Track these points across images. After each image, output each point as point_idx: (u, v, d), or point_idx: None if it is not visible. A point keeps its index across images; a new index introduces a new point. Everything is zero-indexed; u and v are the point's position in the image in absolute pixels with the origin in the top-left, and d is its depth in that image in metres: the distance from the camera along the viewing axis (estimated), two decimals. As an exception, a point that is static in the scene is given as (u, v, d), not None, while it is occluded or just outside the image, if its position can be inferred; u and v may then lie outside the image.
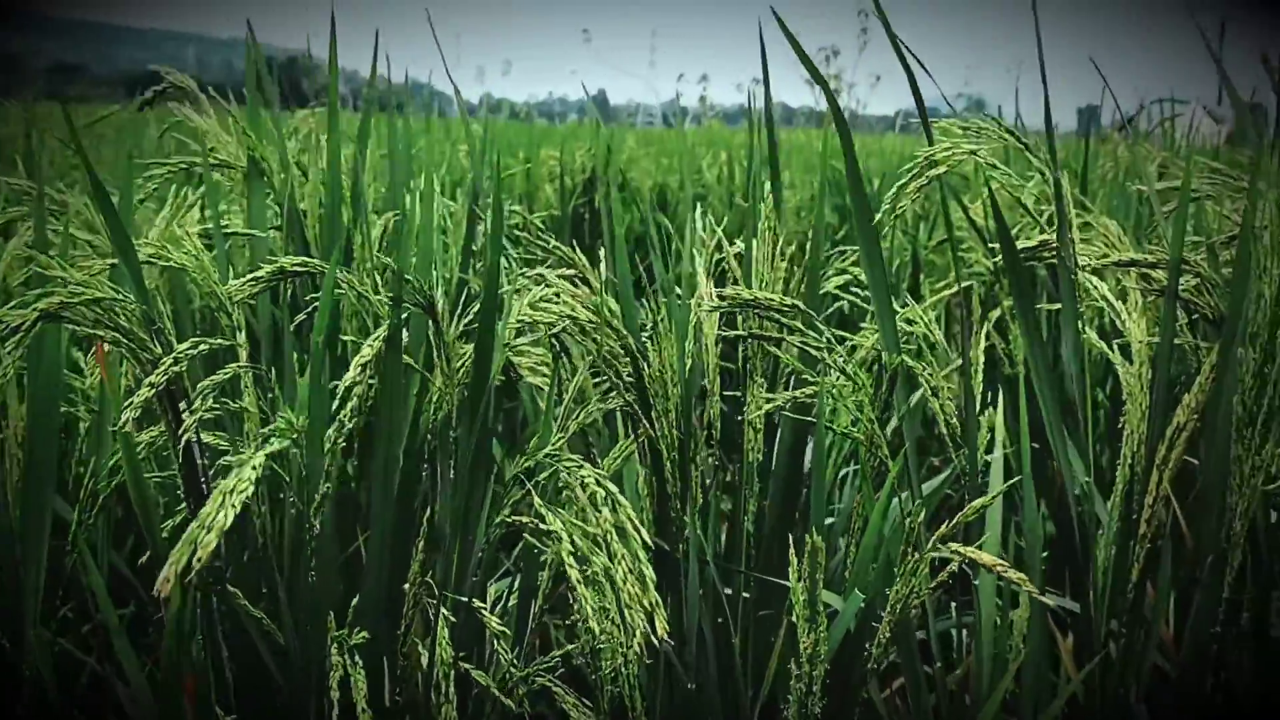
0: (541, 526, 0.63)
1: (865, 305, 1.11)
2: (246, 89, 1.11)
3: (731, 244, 0.93)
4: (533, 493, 0.66)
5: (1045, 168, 0.78)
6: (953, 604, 1.01)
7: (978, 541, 0.80)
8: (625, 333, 0.74)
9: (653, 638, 0.59)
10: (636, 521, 0.61)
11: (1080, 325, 0.81)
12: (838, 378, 0.77)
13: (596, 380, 0.80)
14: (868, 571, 0.73)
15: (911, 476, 0.79)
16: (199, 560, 0.56)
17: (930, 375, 0.85)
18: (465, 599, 0.69)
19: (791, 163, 3.23)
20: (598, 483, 0.63)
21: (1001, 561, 0.66)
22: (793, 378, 0.84)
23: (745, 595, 0.84)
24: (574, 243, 1.03)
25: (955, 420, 0.84)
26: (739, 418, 0.84)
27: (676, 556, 0.78)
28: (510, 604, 0.82)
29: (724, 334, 0.78)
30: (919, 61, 0.80)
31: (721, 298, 0.76)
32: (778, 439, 0.86)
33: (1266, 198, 0.72)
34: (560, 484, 0.68)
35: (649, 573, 0.60)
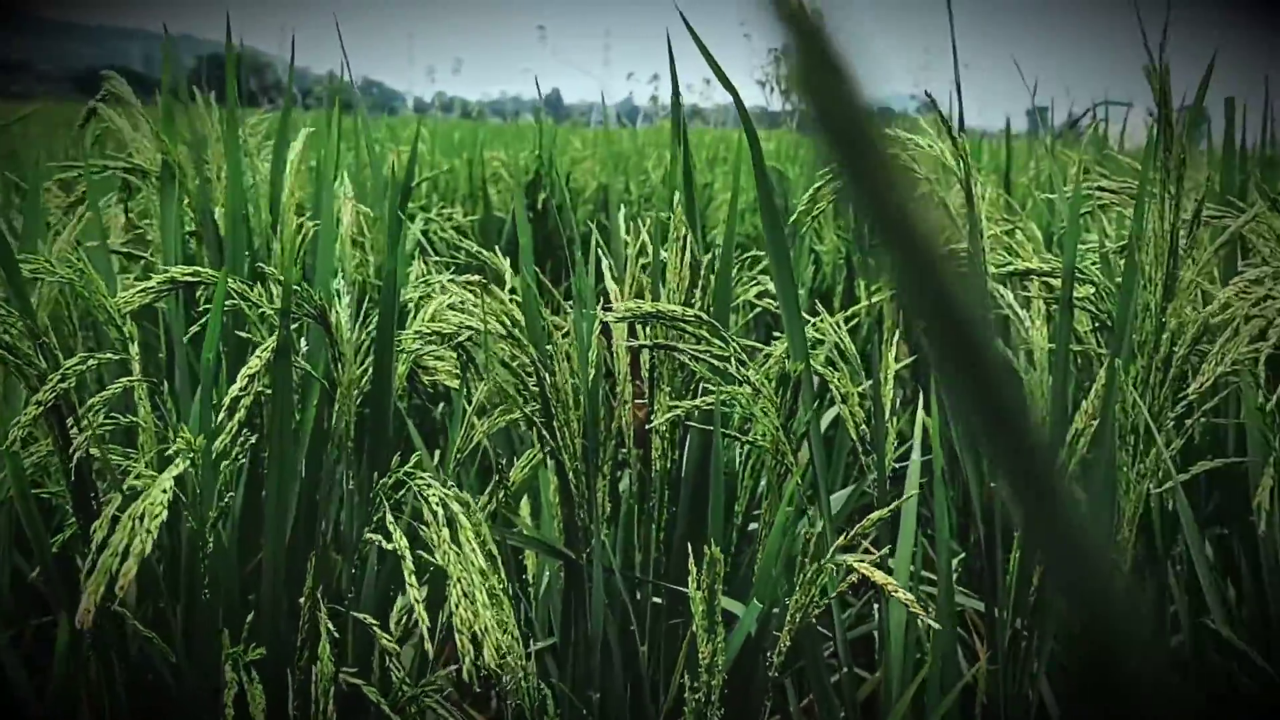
0: (385, 545, 0.62)
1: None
2: (161, 91, 1.09)
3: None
4: (386, 509, 0.65)
5: (957, 173, 0.79)
6: (875, 606, 1.02)
7: (893, 546, 0.81)
8: (526, 342, 0.74)
9: (487, 663, 0.59)
10: (475, 544, 0.61)
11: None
12: (742, 386, 0.77)
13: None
14: (770, 580, 0.74)
15: (819, 485, 0.79)
16: (120, 589, 0.55)
17: (840, 382, 0.86)
18: (347, 611, 0.69)
19: (743, 164, 3.25)
20: (442, 502, 0.63)
21: (891, 581, 0.67)
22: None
23: (657, 601, 0.85)
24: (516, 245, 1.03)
25: (865, 427, 0.85)
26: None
27: (581, 565, 0.78)
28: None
29: (629, 344, 0.78)
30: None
31: (627, 308, 0.76)
32: (687, 447, 0.86)
33: (1151, 206, 0.73)
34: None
35: (481, 597, 0.60)
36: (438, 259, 1.44)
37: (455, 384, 0.86)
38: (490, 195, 2.56)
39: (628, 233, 0.97)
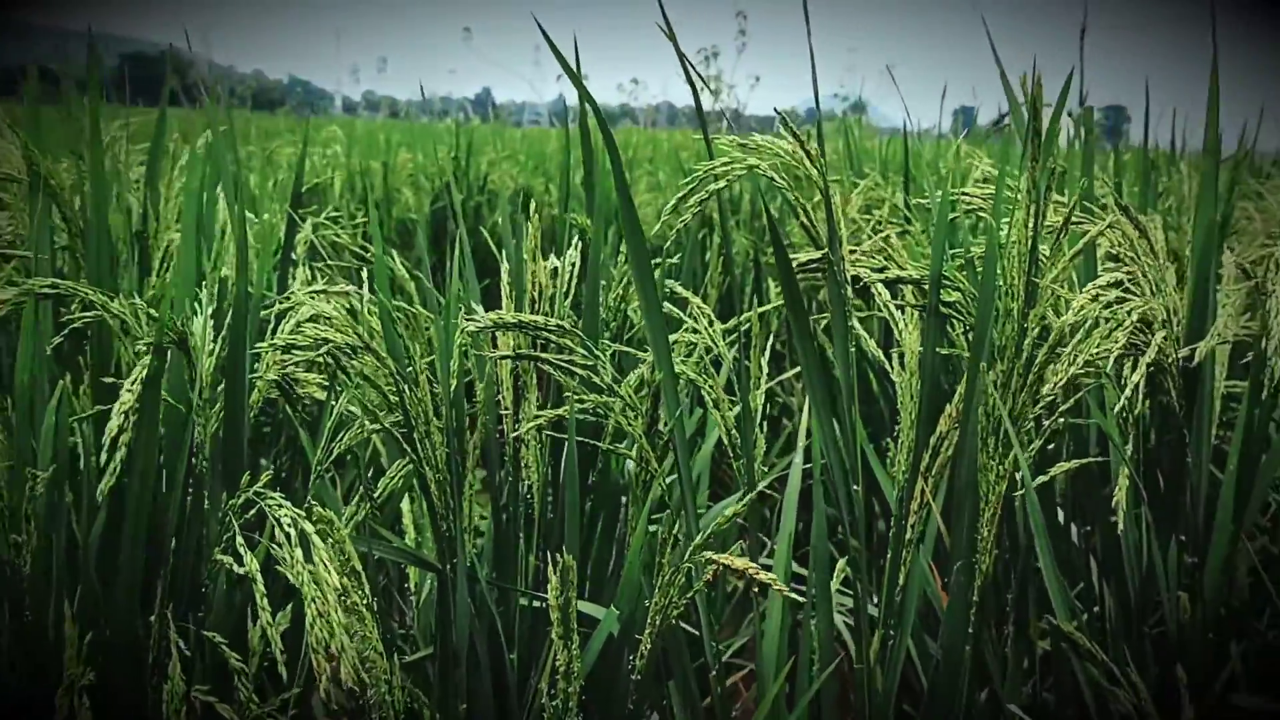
0: (236, 570, 0.61)
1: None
2: (26, 94, 1.06)
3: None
4: (236, 530, 0.64)
5: (819, 181, 0.79)
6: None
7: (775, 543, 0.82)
8: (384, 354, 0.73)
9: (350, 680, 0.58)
10: (329, 562, 0.60)
11: (853, 336, 0.82)
12: (607, 395, 0.77)
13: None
14: (632, 584, 0.74)
15: (684, 489, 0.79)
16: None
17: (711, 389, 0.86)
18: (195, 629, 0.67)
19: (670, 163, 3.25)
20: (293, 523, 0.62)
21: (754, 565, 0.67)
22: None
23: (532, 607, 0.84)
24: (433, 247, 1.01)
25: (734, 432, 0.86)
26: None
27: (447, 575, 0.77)
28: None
29: (492, 355, 0.77)
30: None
31: (490, 318, 0.75)
32: (564, 455, 0.86)
33: (1014, 213, 0.74)
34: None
35: (338, 617, 0.59)
36: (328, 265, 1.42)
37: (324, 397, 0.85)
38: (407, 196, 2.53)
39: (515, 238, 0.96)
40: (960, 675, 0.78)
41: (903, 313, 0.91)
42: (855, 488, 0.81)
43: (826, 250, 0.80)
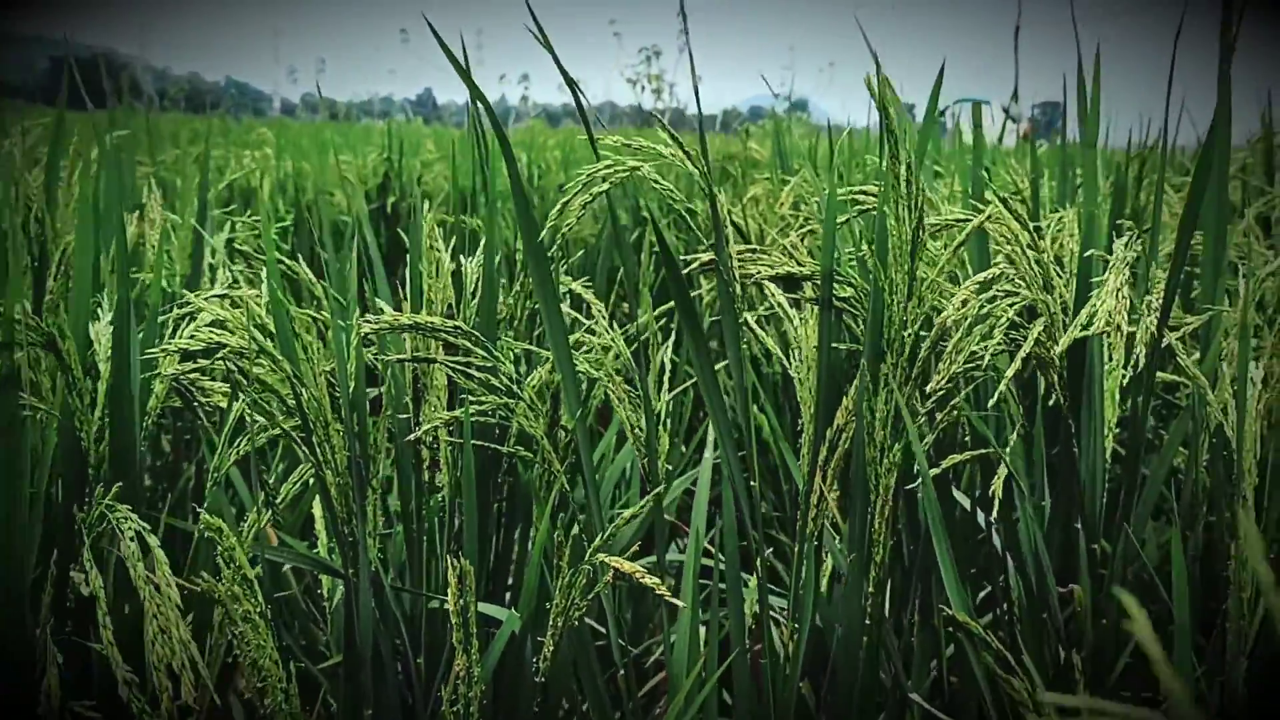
0: (83, 588, 0.61)
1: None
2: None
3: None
4: (85, 545, 0.63)
5: (702, 181, 0.80)
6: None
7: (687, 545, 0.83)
8: (280, 357, 0.73)
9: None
10: (170, 577, 0.60)
11: (743, 334, 0.84)
12: (506, 396, 0.77)
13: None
14: (532, 587, 0.74)
15: (588, 489, 0.80)
16: None
17: (616, 385, 0.87)
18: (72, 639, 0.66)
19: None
20: (138, 535, 0.61)
21: (640, 568, 0.68)
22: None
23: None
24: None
25: (640, 429, 0.86)
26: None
27: (353, 581, 0.77)
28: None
29: (384, 359, 0.77)
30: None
31: (385, 320, 0.75)
32: (462, 457, 0.86)
33: (894, 210, 0.76)
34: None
35: (180, 633, 0.59)
36: (250, 269, 1.40)
37: (226, 403, 0.84)
38: (340, 199, 2.51)
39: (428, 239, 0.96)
40: (858, 662, 0.79)
41: (800, 309, 0.92)
42: (752, 483, 0.83)
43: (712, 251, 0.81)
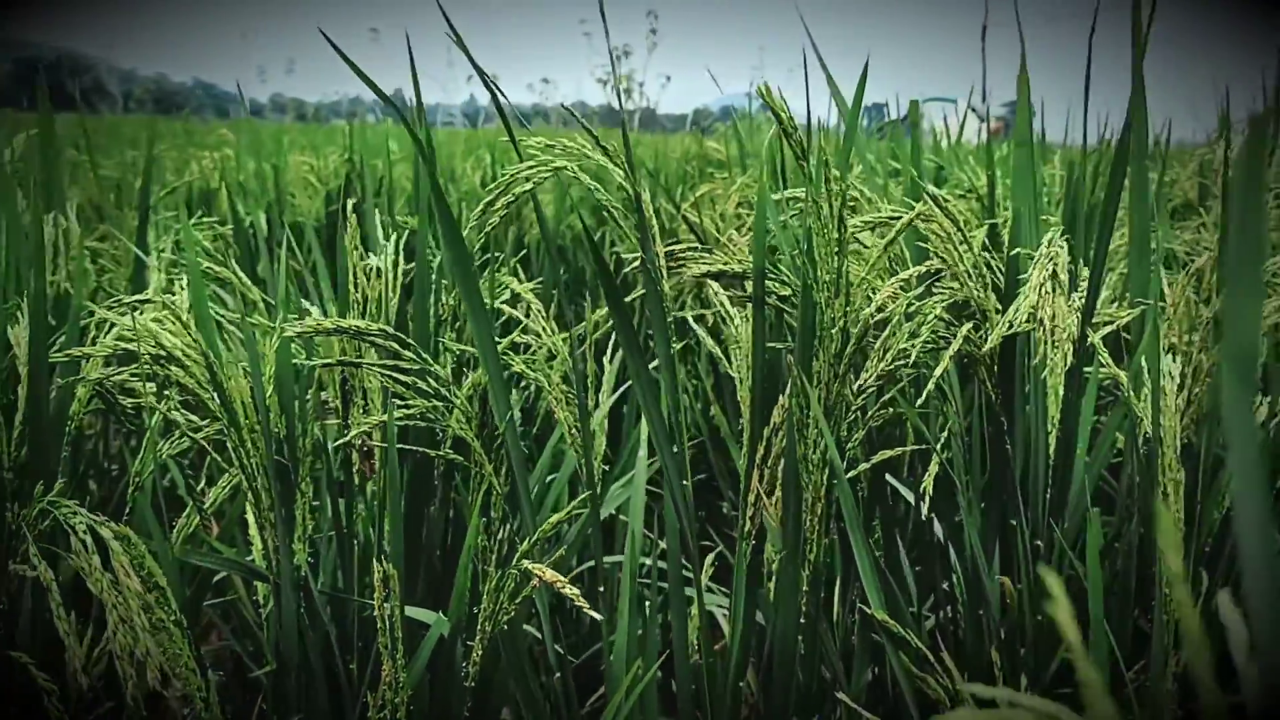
0: (28, 575, 0.60)
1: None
2: None
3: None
4: (30, 541, 0.62)
5: (626, 183, 0.80)
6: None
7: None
8: (196, 361, 0.72)
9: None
10: (130, 569, 0.59)
11: (673, 335, 0.83)
12: (435, 399, 0.77)
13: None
14: (461, 591, 0.74)
15: (521, 491, 0.79)
16: None
17: (556, 389, 0.86)
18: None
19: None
20: (90, 530, 0.60)
21: (561, 578, 0.67)
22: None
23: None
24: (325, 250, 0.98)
25: (576, 430, 0.86)
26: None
27: (278, 586, 0.76)
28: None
29: (309, 364, 0.77)
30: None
31: (309, 324, 0.74)
32: (387, 461, 0.85)
33: (821, 208, 0.75)
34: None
35: (141, 620, 0.58)
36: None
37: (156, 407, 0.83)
38: (302, 200, 2.49)
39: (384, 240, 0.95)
40: (793, 661, 0.79)
41: (741, 308, 0.92)
42: (685, 483, 0.82)
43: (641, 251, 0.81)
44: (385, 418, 0.75)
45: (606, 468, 0.92)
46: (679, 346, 1.48)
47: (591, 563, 1.15)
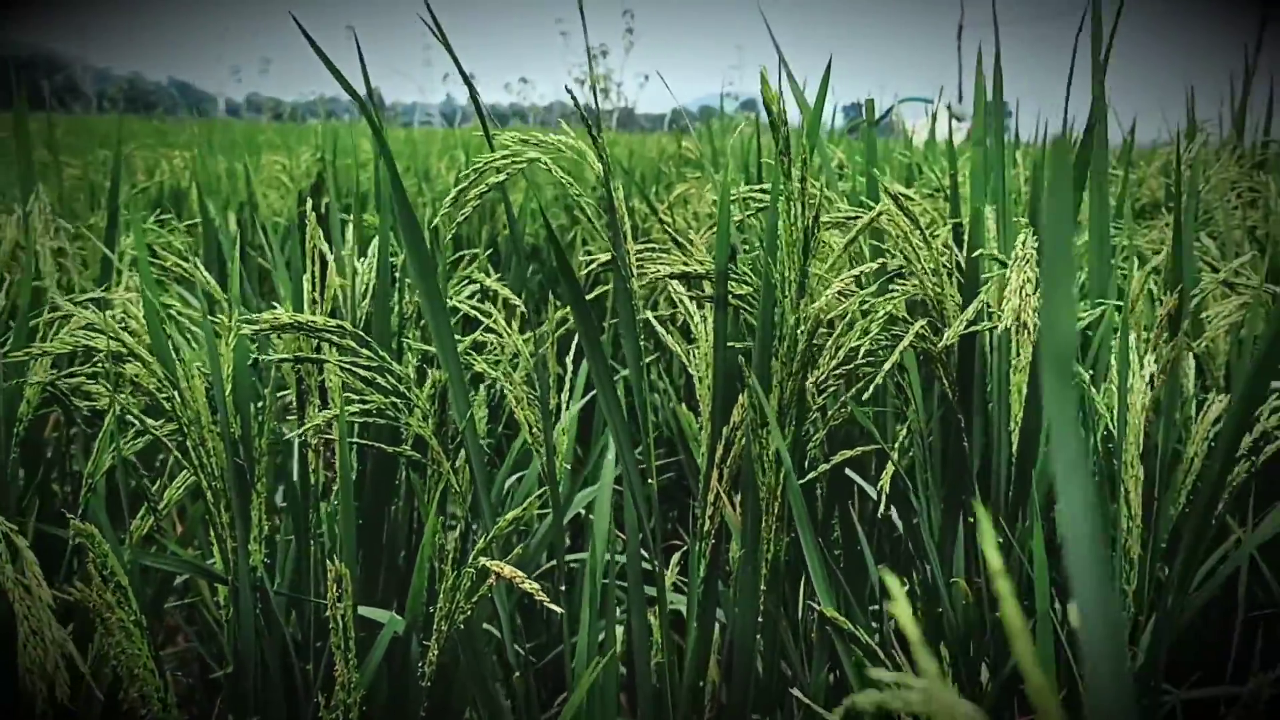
0: None
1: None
2: None
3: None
4: None
5: (599, 182, 0.80)
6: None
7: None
8: (150, 359, 0.71)
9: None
10: (40, 578, 0.58)
11: (640, 334, 0.83)
12: (393, 396, 0.76)
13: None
14: (418, 591, 0.73)
15: (479, 490, 0.79)
16: None
17: (514, 386, 0.86)
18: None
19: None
20: (5, 537, 0.60)
21: (520, 574, 0.67)
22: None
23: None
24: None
25: (538, 429, 0.86)
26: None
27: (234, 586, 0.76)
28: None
29: (265, 359, 0.76)
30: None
31: (264, 320, 0.74)
32: (338, 459, 0.85)
33: (787, 209, 0.76)
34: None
35: (52, 634, 0.57)
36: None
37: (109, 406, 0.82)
38: (272, 200, 2.47)
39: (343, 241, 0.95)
40: (752, 659, 0.79)
41: (700, 307, 0.92)
42: (650, 481, 0.82)
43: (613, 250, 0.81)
44: (333, 413, 0.74)
45: (569, 466, 0.92)
46: (653, 350, 1.48)
47: (581, 556, 1.15)
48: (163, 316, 0.72)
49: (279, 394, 0.84)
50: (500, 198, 1.09)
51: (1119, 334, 0.71)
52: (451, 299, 1.08)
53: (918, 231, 0.80)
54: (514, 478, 1.15)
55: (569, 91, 0.79)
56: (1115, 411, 0.72)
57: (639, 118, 5.38)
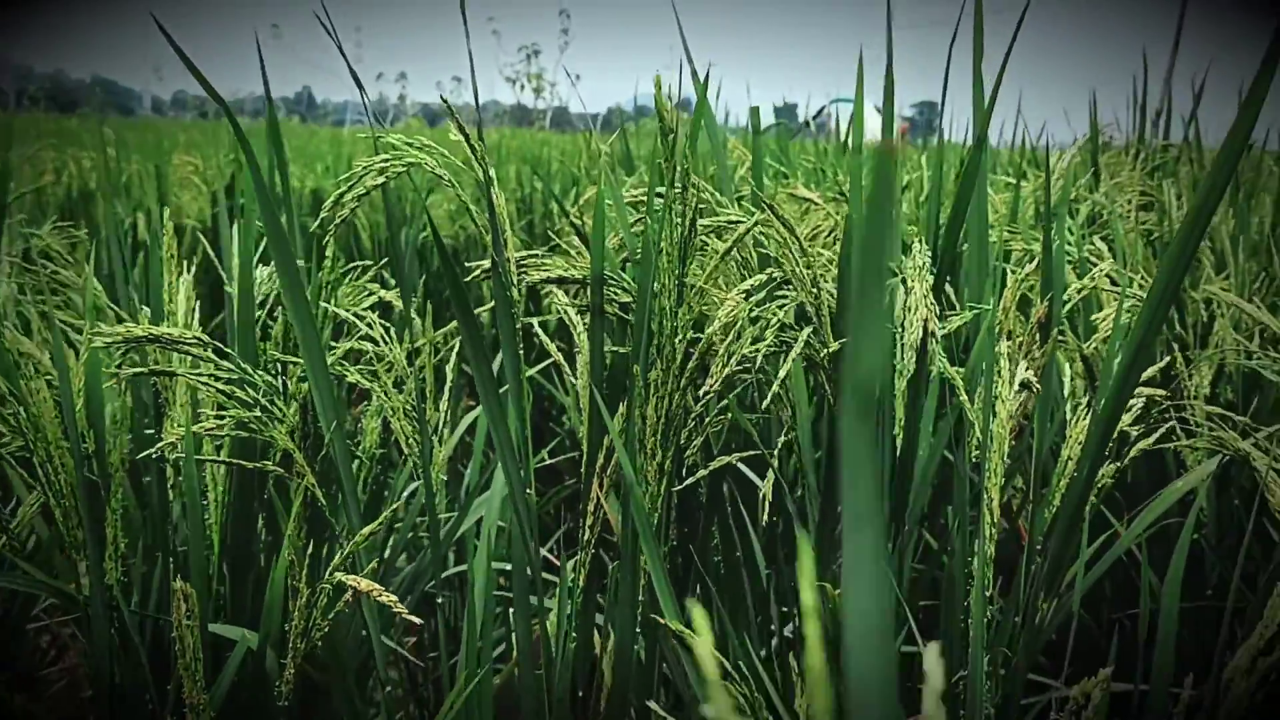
0: None
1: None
2: None
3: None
4: None
5: (481, 177, 0.78)
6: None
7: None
8: (-9, 373, 0.68)
9: None
10: None
11: (520, 340, 0.82)
12: (254, 408, 0.74)
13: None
14: (274, 607, 0.71)
15: (349, 503, 0.77)
16: None
17: (389, 397, 0.84)
18: None
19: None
20: None
21: (377, 586, 0.65)
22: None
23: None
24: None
25: (414, 441, 0.84)
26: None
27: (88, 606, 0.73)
28: None
29: (118, 373, 0.73)
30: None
31: (116, 332, 0.71)
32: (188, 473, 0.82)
33: (668, 215, 0.75)
34: None
35: None
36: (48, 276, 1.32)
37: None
38: (184, 201, 2.41)
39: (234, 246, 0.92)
40: (629, 669, 0.78)
41: (582, 314, 0.91)
42: (528, 491, 0.81)
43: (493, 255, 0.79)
44: (184, 430, 0.72)
45: (445, 478, 0.90)
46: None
47: (462, 567, 1.13)
48: (2, 327, 0.69)
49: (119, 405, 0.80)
50: (420, 201, 1.06)
51: (987, 341, 0.71)
52: (346, 309, 1.06)
53: (794, 240, 0.79)
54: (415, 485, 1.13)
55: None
56: (981, 420, 0.72)
57: (574, 117, 5.35)
